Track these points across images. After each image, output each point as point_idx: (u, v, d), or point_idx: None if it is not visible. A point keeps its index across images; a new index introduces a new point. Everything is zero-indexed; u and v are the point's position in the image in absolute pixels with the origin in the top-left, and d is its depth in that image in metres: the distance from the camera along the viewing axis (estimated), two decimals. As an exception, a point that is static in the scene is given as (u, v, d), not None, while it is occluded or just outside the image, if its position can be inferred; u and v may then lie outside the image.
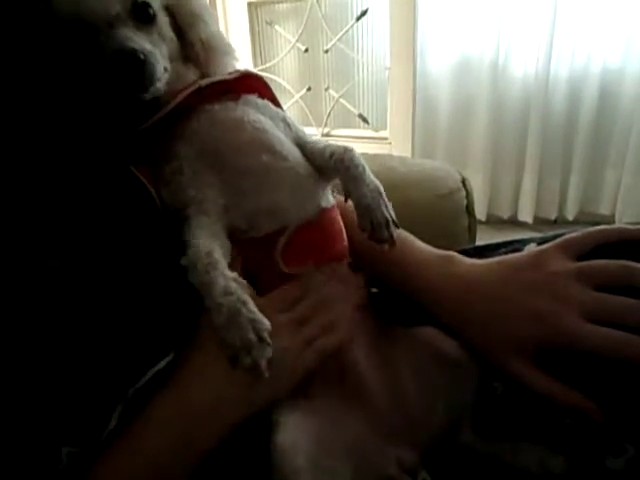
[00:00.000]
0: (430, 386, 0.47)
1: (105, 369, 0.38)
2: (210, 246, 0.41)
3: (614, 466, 0.39)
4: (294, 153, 0.49)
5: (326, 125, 2.30)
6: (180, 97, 0.45)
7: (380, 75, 2.14)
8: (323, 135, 2.29)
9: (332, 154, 0.47)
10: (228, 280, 0.38)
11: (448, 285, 0.48)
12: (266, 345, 0.36)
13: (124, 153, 0.44)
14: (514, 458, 0.44)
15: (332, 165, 0.47)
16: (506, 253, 0.50)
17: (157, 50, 0.43)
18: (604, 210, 2.07)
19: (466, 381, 0.47)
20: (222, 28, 2.19)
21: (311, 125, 2.29)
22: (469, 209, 0.92)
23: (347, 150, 0.47)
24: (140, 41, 0.41)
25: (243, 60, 2.28)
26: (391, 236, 0.44)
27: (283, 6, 2.26)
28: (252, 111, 0.48)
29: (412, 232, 0.55)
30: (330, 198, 0.52)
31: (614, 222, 1.96)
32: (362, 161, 0.46)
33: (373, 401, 0.46)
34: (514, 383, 0.43)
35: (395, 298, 0.53)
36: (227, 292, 0.37)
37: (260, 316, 0.37)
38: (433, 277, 0.49)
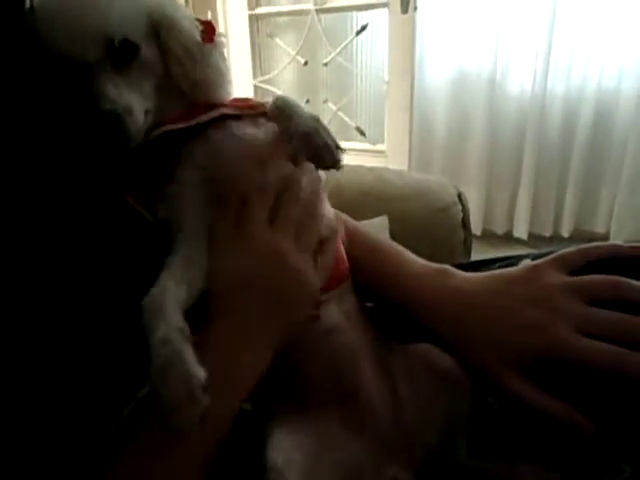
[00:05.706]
0: (426, 402, 0.47)
1: (97, 388, 0.37)
2: (169, 288, 0.39)
3: (610, 486, 0.38)
4: None
5: (324, 137, 2.32)
6: (195, 121, 0.44)
7: (378, 89, 2.17)
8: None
9: (271, 105, 0.47)
10: (170, 328, 0.36)
11: (443, 298, 0.48)
12: (197, 403, 0.34)
13: (119, 176, 0.44)
14: (509, 475, 0.43)
15: (272, 114, 0.47)
16: (501, 268, 0.51)
17: (136, 94, 0.41)
18: (599, 228, 2.09)
19: (461, 397, 0.47)
20: (223, 40, 2.21)
21: (309, 137, 2.30)
22: (465, 223, 0.93)
23: (278, 97, 0.47)
24: (118, 90, 0.40)
25: (243, 72, 2.30)
26: (336, 160, 0.43)
27: (284, 19, 2.29)
28: (255, 130, 0.47)
29: (407, 245, 0.55)
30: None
31: (609, 239, 1.98)
32: (293, 100, 0.46)
33: (374, 421, 0.45)
34: (509, 399, 0.43)
35: (391, 313, 0.53)
36: (165, 341, 0.35)
37: (195, 369, 0.34)
38: (428, 290, 0.49)
